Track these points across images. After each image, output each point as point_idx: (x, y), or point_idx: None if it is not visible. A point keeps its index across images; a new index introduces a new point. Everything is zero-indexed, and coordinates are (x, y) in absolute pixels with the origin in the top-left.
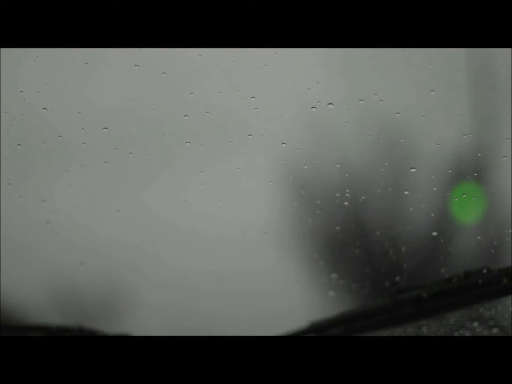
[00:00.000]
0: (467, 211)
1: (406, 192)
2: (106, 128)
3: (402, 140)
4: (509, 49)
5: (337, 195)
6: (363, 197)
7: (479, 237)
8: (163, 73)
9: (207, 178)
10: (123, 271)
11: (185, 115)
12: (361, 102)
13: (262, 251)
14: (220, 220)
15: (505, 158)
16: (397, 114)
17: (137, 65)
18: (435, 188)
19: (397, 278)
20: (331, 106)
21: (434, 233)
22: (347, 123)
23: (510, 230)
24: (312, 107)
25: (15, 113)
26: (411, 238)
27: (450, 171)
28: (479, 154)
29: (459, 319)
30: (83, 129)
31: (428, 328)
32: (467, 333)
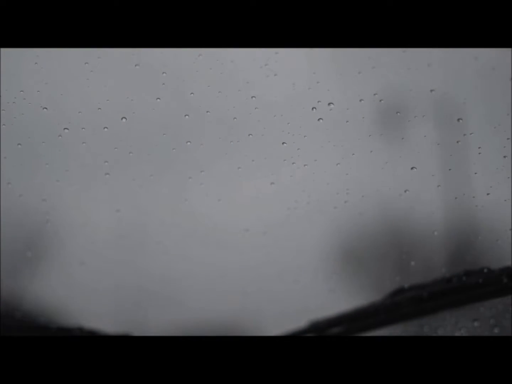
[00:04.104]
0: None
1: (407, 191)
2: (106, 128)
3: (403, 139)
4: (509, 49)
5: (337, 193)
6: (362, 195)
7: (479, 237)
8: (163, 73)
9: (207, 177)
10: (121, 270)
11: (185, 115)
12: (362, 101)
13: (262, 251)
14: (219, 220)
15: (505, 157)
16: (398, 114)
17: (137, 65)
18: (438, 186)
19: (397, 278)
20: (331, 105)
21: (435, 233)
22: (347, 122)
23: (510, 230)
24: (313, 108)
25: (15, 112)
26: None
27: (450, 170)
28: (480, 153)
29: (459, 319)
30: (83, 129)
31: (428, 328)
32: (467, 333)
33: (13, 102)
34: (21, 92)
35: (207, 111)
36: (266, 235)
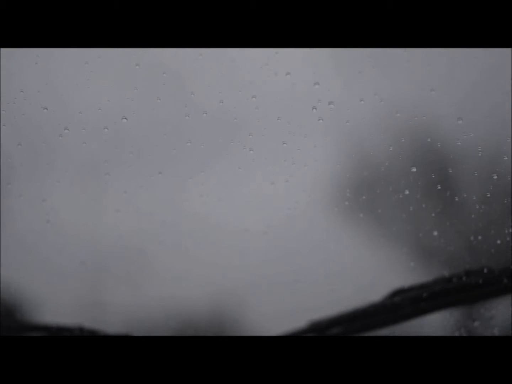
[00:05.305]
0: None
1: (407, 192)
2: (107, 128)
3: (403, 140)
4: (509, 49)
5: (337, 193)
6: (363, 197)
7: (479, 237)
8: (163, 73)
9: (207, 178)
10: (121, 270)
11: (185, 115)
12: (362, 102)
13: (262, 251)
14: (219, 220)
15: (505, 158)
16: (398, 115)
17: (138, 65)
18: (439, 187)
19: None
20: (331, 105)
21: (435, 233)
22: (347, 122)
23: (510, 230)
24: (313, 108)
25: (15, 112)
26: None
27: (450, 170)
28: (480, 154)
29: (459, 319)
30: (83, 129)
31: (428, 328)
32: (467, 333)
33: (14, 102)
34: (22, 92)
35: (207, 111)
36: (266, 235)
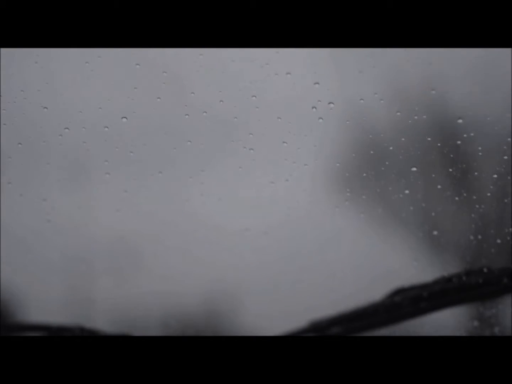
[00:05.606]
0: None
1: (407, 191)
2: (107, 128)
3: (403, 139)
4: (509, 49)
5: (338, 193)
6: (363, 197)
7: (479, 237)
8: (164, 72)
9: (207, 177)
10: (121, 270)
11: (185, 114)
12: (361, 101)
13: (262, 250)
14: (220, 220)
15: (505, 158)
16: (398, 114)
17: (138, 64)
18: (439, 187)
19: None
20: (331, 105)
21: (435, 232)
22: (348, 122)
23: (510, 230)
24: (313, 107)
25: (16, 112)
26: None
27: (450, 170)
28: (480, 154)
29: (459, 319)
30: (83, 128)
31: (428, 327)
32: (467, 333)
33: (14, 102)
34: (22, 92)
35: (207, 111)
36: (267, 234)
